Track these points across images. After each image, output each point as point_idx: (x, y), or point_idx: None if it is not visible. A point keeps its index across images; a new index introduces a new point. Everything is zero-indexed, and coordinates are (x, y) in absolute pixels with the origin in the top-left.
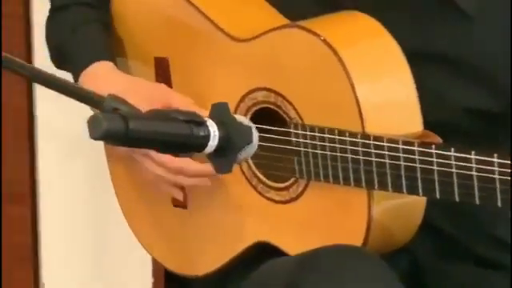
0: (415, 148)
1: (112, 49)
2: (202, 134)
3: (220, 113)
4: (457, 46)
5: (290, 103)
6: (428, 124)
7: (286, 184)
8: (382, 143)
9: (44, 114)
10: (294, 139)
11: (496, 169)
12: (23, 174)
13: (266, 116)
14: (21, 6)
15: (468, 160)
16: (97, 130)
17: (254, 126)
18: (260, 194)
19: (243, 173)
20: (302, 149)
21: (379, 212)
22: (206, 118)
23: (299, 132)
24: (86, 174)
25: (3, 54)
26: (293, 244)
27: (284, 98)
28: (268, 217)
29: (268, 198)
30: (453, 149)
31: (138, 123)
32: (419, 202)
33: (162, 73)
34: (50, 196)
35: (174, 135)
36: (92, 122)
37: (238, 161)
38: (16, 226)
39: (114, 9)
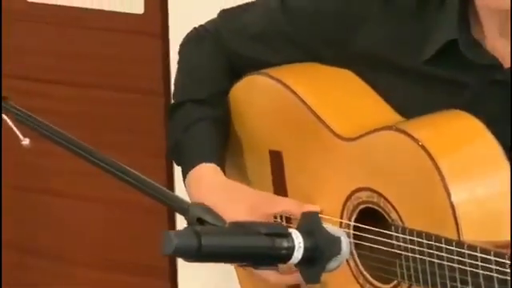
0: (506, 260)
1: (221, 147)
2: (285, 245)
3: (309, 222)
4: None
5: (392, 205)
6: None
7: (390, 285)
8: (475, 253)
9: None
10: (395, 242)
11: None
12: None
13: (373, 215)
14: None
15: None
16: (168, 247)
17: (344, 237)
18: None
19: (351, 271)
20: (402, 252)
21: None
22: (291, 230)
23: (399, 235)
24: None
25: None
26: None
27: (386, 199)
28: None
29: None
30: None
31: (212, 239)
32: None
33: (277, 166)
34: (187, 270)
35: (254, 248)
36: (165, 238)
37: (328, 271)
38: None
39: (232, 102)
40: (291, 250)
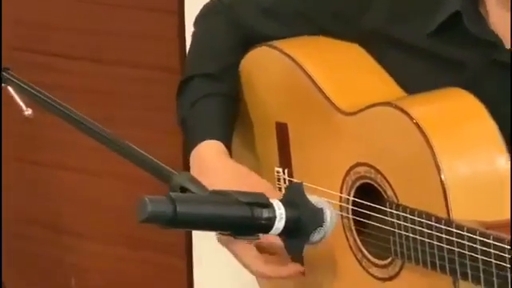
0: (490, 240)
1: (226, 123)
2: (265, 215)
3: (294, 194)
4: None
5: (387, 181)
6: None
7: (386, 262)
8: (462, 232)
9: None
10: (389, 219)
11: None
12: None
13: (371, 191)
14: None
15: None
16: (143, 213)
17: (328, 209)
18: (364, 268)
19: (350, 247)
20: (396, 230)
21: None
22: (273, 200)
23: (394, 212)
24: None
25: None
26: None
27: (382, 175)
28: None
29: (370, 274)
30: None
31: (188, 206)
32: None
33: (282, 138)
34: (202, 247)
35: (232, 217)
36: (139, 205)
37: (312, 242)
38: (171, 276)
39: (241, 74)
40: (272, 220)
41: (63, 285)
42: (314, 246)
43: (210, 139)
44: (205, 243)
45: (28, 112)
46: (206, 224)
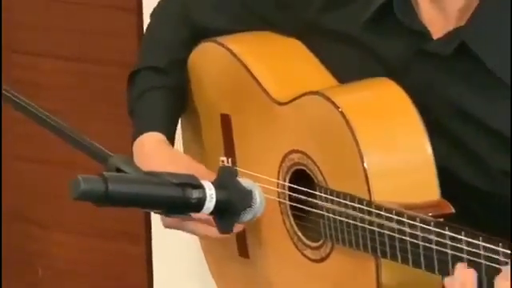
0: (404, 219)
1: (170, 116)
2: (196, 196)
3: (225, 176)
4: None
5: (317, 166)
6: None
7: (318, 244)
8: (380, 212)
9: None
10: (319, 202)
11: None
12: (139, 214)
13: (305, 177)
14: None
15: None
16: (75, 191)
17: (257, 191)
18: (299, 251)
19: (287, 231)
20: (324, 212)
21: (388, 279)
22: (204, 182)
23: (322, 195)
24: None
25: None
26: None
27: (312, 161)
28: (305, 274)
29: (305, 256)
30: (463, 232)
31: (120, 185)
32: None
33: (226, 129)
34: (162, 235)
35: (162, 197)
36: (72, 183)
37: (242, 222)
38: (132, 263)
39: (189, 68)
40: (202, 200)
41: (30, 275)
42: (246, 224)
43: (152, 131)
44: (164, 232)
45: None
46: (138, 202)
